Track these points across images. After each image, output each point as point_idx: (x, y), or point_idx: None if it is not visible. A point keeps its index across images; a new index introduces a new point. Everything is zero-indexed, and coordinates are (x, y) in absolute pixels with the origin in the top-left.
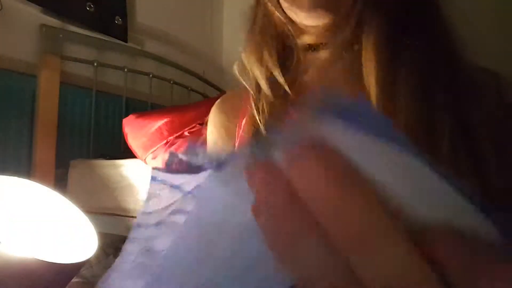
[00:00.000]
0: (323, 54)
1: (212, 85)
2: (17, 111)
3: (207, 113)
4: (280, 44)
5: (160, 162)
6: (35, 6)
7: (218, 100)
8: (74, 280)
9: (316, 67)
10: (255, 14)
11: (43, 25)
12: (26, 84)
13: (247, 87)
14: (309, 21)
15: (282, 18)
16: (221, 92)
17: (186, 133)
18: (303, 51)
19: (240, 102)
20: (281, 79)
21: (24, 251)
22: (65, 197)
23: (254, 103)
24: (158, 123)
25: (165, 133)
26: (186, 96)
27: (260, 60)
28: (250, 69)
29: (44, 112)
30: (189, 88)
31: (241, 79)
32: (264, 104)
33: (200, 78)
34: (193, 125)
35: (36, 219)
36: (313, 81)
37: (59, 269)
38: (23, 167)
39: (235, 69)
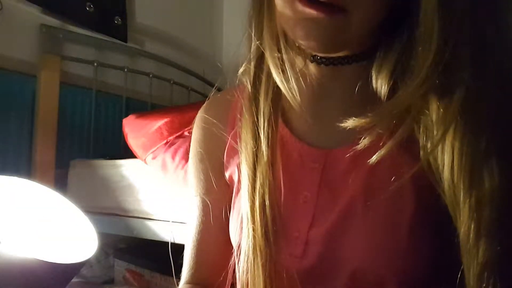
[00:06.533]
0: (323, 67)
1: (212, 85)
2: (17, 111)
3: None
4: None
5: (160, 162)
6: (35, 6)
7: (203, 107)
8: (74, 280)
9: (310, 78)
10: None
11: (43, 25)
12: (26, 84)
13: (248, 86)
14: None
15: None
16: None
17: (186, 133)
18: (301, 55)
19: (228, 109)
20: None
21: (24, 251)
22: (65, 197)
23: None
24: (158, 123)
25: (165, 133)
26: (186, 96)
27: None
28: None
29: (44, 112)
30: (189, 88)
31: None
32: (265, 112)
33: (200, 78)
34: None
35: (36, 219)
36: (302, 93)
37: (59, 269)
38: (23, 167)
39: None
